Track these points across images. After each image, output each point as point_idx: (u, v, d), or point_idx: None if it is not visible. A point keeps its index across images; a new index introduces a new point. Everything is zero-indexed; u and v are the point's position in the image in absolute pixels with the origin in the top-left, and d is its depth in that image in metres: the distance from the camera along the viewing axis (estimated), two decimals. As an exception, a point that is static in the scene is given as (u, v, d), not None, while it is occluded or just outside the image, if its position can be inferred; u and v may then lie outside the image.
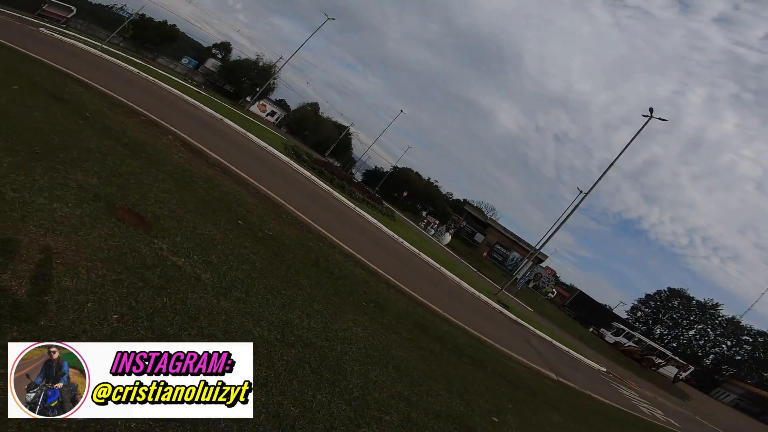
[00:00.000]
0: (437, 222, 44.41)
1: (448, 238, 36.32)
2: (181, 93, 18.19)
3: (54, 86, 7.54)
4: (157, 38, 50.77)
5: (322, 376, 3.30)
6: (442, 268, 15.10)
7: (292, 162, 16.70)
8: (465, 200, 69.98)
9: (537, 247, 24.50)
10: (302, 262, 5.71)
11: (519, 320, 15.24)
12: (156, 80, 18.61)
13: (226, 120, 17.14)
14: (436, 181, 73.56)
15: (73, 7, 42.23)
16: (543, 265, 46.52)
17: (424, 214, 55.89)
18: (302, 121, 58.67)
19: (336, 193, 15.99)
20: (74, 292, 2.59)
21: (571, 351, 15.62)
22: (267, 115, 54.83)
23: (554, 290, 46.45)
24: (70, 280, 2.66)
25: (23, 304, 2.28)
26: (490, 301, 15.14)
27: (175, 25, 53.12)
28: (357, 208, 15.83)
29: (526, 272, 38.43)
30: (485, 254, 45.93)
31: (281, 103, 61.45)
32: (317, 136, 59.11)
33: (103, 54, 20.15)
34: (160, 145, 7.22)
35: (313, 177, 16.26)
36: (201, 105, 17.76)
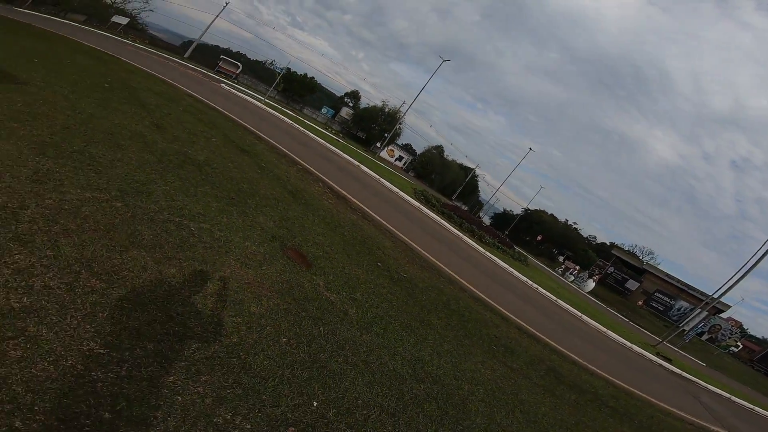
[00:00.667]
0: (577, 268, 40.99)
1: (591, 285, 33.40)
2: (324, 141, 20.48)
3: (238, 138, 9.19)
4: (301, 90, 57.58)
5: (446, 413, 3.39)
6: (584, 316, 13.94)
7: (421, 206, 17.32)
8: (612, 244, 63.77)
9: (715, 296, 20.52)
10: (434, 304, 5.94)
11: (685, 374, 13.20)
12: (304, 130, 21.31)
13: (362, 166, 18.68)
14: (574, 223, 68.26)
15: (240, 64, 50.65)
16: (724, 315, 39.29)
17: (561, 259, 51.87)
18: (428, 165, 59.89)
19: (466, 238, 16.05)
20: (258, 316, 3.15)
21: (756, 408, 12.98)
22: (395, 160, 57.39)
23: (739, 344, 38.54)
24: (256, 307, 3.25)
25: (224, 324, 2.85)
26: (645, 353, 13.42)
27: (314, 78, 59.63)
28: (487, 253, 15.61)
29: (698, 323, 32.79)
30: (641, 303, 41.06)
31: (407, 147, 64.00)
32: (444, 180, 59.66)
33: (265, 107, 23.85)
34: (314, 192, 8.24)
35: (442, 221, 16.59)
36: (340, 152, 19.72)
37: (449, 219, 17.90)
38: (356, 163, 18.94)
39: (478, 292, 8.21)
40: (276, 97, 49.36)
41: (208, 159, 6.13)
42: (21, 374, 1.83)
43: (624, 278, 44.94)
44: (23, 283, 2.26)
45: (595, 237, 71.17)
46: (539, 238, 53.78)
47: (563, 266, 41.05)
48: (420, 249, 8.94)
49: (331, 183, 10.16)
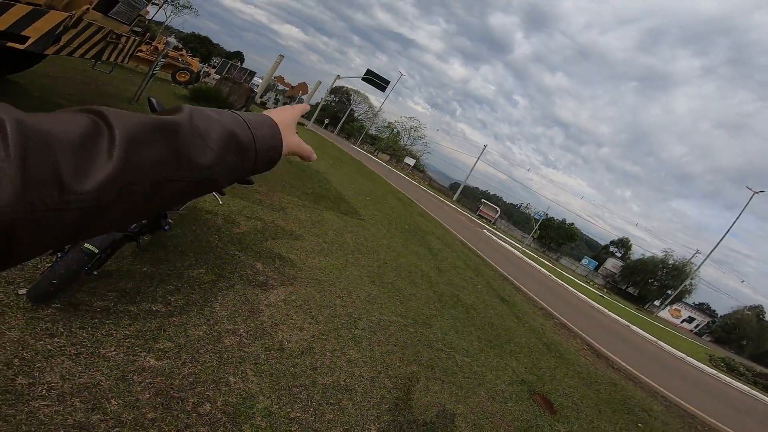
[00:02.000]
0: None
1: None
2: (585, 296, 19.22)
3: (499, 287, 9.96)
4: (559, 238, 55.62)
5: None
6: None
7: (720, 374, 13.45)
8: None
9: None
10: None
11: None
12: (563, 283, 20.66)
13: (632, 326, 16.35)
14: None
15: (498, 209, 53.89)
16: None
17: None
18: (737, 329, 46.01)
19: None
20: None
21: None
22: (683, 322, 46.51)
23: None
24: None
25: None
26: None
27: (573, 224, 56.58)
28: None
29: None
30: None
31: (703, 308, 51.28)
32: (762, 346, 44.28)
33: (523, 256, 24.72)
34: (570, 347, 7.85)
35: (754, 392, 12.32)
36: (604, 309, 17.95)
37: (766, 390, 13.05)
38: (625, 322, 16.69)
39: None
40: (531, 245, 49.79)
41: (474, 303, 6.96)
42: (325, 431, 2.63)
43: None
44: (349, 370, 3.27)
45: None
46: None
47: None
48: (710, 419, 6.98)
49: (589, 339, 9.42)
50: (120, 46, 5.93)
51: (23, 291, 2.27)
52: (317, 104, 56.81)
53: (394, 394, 3.28)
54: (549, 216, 54.41)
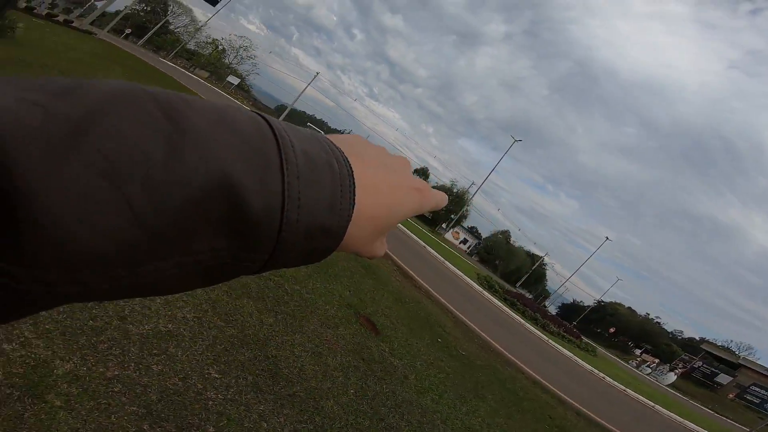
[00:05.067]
0: (656, 361, 37.40)
1: (671, 377, 31.32)
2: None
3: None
4: None
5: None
6: (657, 406, 12.57)
7: (484, 291, 17.12)
8: (703, 339, 57.13)
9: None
10: (489, 381, 6.03)
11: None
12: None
13: (428, 248, 19.13)
14: (657, 317, 61.95)
15: (321, 132, 55.79)
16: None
17: (638, 352, 47.11)
18: (494, 250, 58.53)
19: (528, 325, 15.47)
20: (332, 368, 3.51)
21: None
22: (460, 243, 56.62)
23: None
24: (332, 360, 3.62)
25: (305, 370, 3.21)
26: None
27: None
28: (551, 341, 14.81)
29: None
30: (732, 396, 38.33)
31: (473, 231, 63.33)
32: (508, 266, 57.71)
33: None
34: (384, 269, 8.73)
35: (504, 308, 16.22)
36: (408, 231, 20.46)
37: (512, 306, 17.47)
38: (422, 243, 19.42)
39: (536, 375, 7.98)
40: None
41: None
42: (158, 385, 2.32)
43: (714, 372, 41.54)
44: (168, 314, 2.87)
45: (681, 332, 64.11)
46: (612, 330, 49.08)
47: (639, 359, 37.59)
48: (479, 331, 8.91)
49: (399, 262, 10.64)
50: None
51: None
52: (118, 12, 44.65)
53: (227, 332, 3.05)
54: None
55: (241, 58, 66.64)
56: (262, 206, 0.22)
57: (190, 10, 68.87)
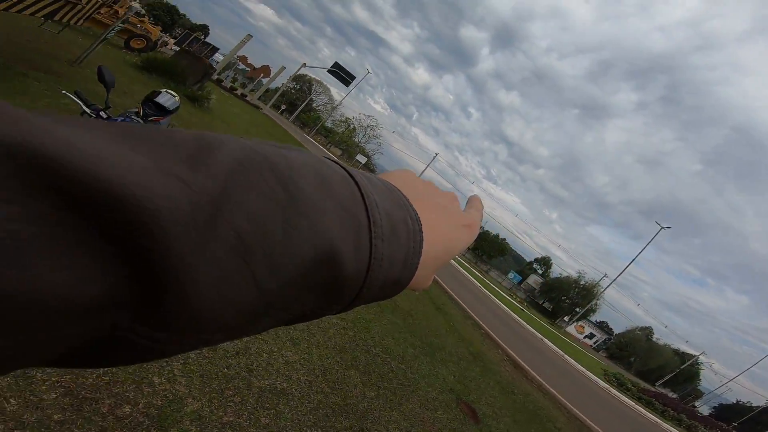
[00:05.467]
0: None
1: None
2: (508, 309, 20.14)
3: (434, 295, 9.99)
4: (491, 251, 57.64)
5: None
6: None
7: (611, 388, 14.65)
8: None
9: None
10: None
11: None
12: (491, 294, 21.52)
13: (545, 340, 17.37)
14: None
15: None
16: None
17: None
18: (628, 347, 50.60)
19: (667, 425, 12.58)
20: None
21: None
22: (585, 337, 50.49)
23: None
24: None
25: None
26: None
27: (505, 240, 59.35)
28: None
29: None
30: None
31: (602, 326, 55.94)
32: (647, 364, 48.97)
33: (458, 266, 25.39)
34: (493, 357, 8.10)
35: (637, 407, 13.58)
36: (523, 322, 18.91)
37: (647, 405, 14.54)
38: (539, 336, 17.69)
39: None
40: (465, 255, 51.44)
41: (411, 309, 6.88)
42: (263, 440, 2.42)
43: None
44: (286, 373, 3.05)
45: None
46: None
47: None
48: (599, 429, 7.56)
49: (510, 351, 9.79)
50: (79, 6, 5.17)
51: None
52: (277, 89, 54.54)
53: (331, 399, 3.11)
54: (485, 230, 56.60)
55: (368, 137, 72.25)
56: (354, 270, 0.23)
57: (329, 89, 79.26)
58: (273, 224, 0.20)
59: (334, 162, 0.28)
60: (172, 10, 56.90)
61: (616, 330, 56.20)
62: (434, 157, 57.73)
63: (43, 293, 0.14)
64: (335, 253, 0.22)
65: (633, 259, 39.10)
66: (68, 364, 0.18)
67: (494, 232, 60.27)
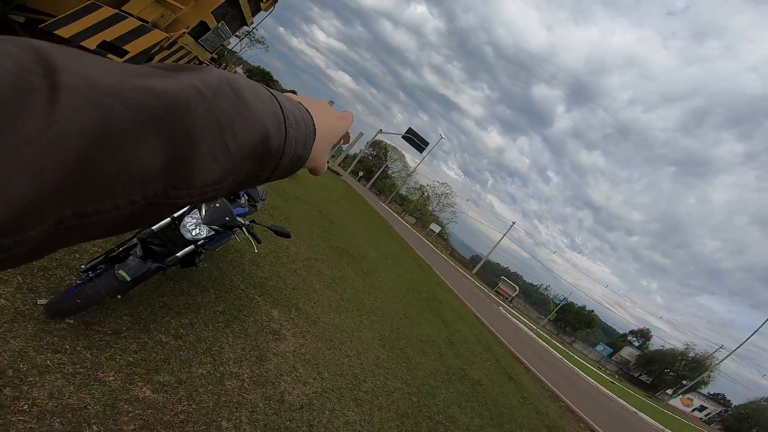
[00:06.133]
0: None
1: None
2: (594, 381, 17.85)
3: (508, 365, 9.29)
4: (576, 323, 52.67)
5: None
6: None
7: None
8: None
9: None
10: None
11: None
12: (574, 366, 19.32)
13: (640, 413, 15.01)
14: None
15: (517, 288, 51.26)
16: None
17: None
18: (750, 419, 42.83)
19: None
20: None
21: None
22: (693, 410, 43.32)
23: None
24: None
25: None
26: None
27: (593, 311, 53.95)
28: None
29: None
30: None
31: (717, 397, 47.36)
32: None
33: (536, 337, 23.43)
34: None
35: None
36: (612, 395, 16.55)
37: None
38: (632, 409, 15.29)
39: None
40: (546, 327, 47.48)
41: (480, 379, 6.45)
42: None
43: None
44: (350, 429, 2.98)
45: None
46: None
47: None
48: None
49: (594, 425, 8.55)
50: None
51: (43, 301, 2.18)
52: (355, 156, 57.50)
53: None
54: (569, 301, 52.88)
55: (443, 205, 71.82)
56: (277, 145, 0.38)
57: (403, 155, 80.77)
58: (234, 115, 0.32)
59: (263, 87, 0.42)
60: (267, 77, 62.22)
61: (735, 401, 47.66)
62: (511, 226, 54.93)
63: (130, 167, 0.24)
64: (268, 133, 0.36)
65: (756, 330, 33.70)
66: (121, 229, 0.29)
67: (579, 304, 55.65)
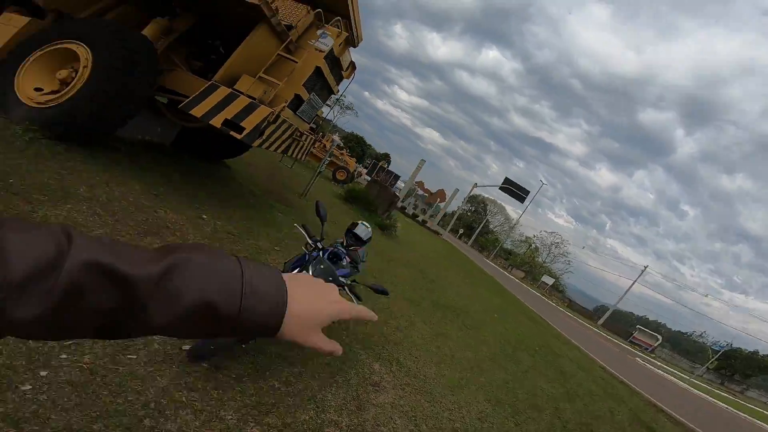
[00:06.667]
0: None
1: None
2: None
3: (649, 418, 7.95)
4: (746, 369, 43.20)
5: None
6: None
7: None
8: None
9: None
10: None
11: None
12: (744, 414, 15.56)
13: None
14: None
15: (659, 336, 43.56)
16: None
17: None
18: None
19: None
20: None
21: None
22: None
23: None
24: None
25: None
26: None
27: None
28: None
29: None
30: None
31: None
32: None
33: (690, 387, 19.52)
34: None
35: None
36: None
37: None
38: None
39: None
40: (704, 376, 39.17)
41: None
42: None
43: None
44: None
45: None
46: None
47: None
48: None
49: None
50: (301, 143, 6.22)
51: (187, 347, 2.62)
52: (453, 213, 56.14)
53: None
54: (734, 347, 43.84)
55: (554, 255, 65.75)
56: (226, 314, 0.46)
57: (503, 207, 76.09)
58: (181, 286, 0.45)
59: (235, 263, 0.49)
60: (361, 141, 63.80)
61: None
62: (643, 271, 46.35)
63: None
64: (212, 305, 0.45)
65: None
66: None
67: (748, 349, 46.07)
